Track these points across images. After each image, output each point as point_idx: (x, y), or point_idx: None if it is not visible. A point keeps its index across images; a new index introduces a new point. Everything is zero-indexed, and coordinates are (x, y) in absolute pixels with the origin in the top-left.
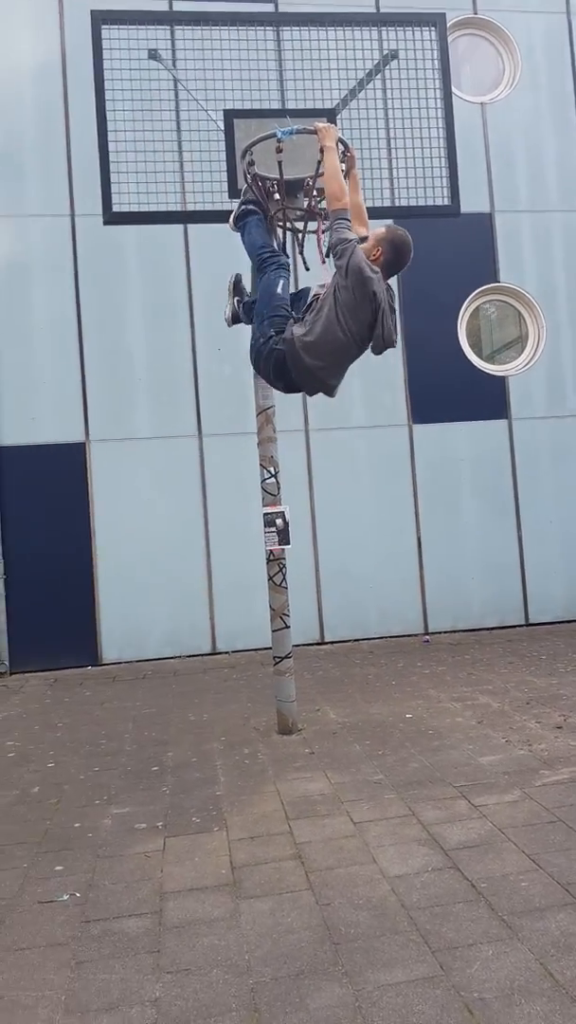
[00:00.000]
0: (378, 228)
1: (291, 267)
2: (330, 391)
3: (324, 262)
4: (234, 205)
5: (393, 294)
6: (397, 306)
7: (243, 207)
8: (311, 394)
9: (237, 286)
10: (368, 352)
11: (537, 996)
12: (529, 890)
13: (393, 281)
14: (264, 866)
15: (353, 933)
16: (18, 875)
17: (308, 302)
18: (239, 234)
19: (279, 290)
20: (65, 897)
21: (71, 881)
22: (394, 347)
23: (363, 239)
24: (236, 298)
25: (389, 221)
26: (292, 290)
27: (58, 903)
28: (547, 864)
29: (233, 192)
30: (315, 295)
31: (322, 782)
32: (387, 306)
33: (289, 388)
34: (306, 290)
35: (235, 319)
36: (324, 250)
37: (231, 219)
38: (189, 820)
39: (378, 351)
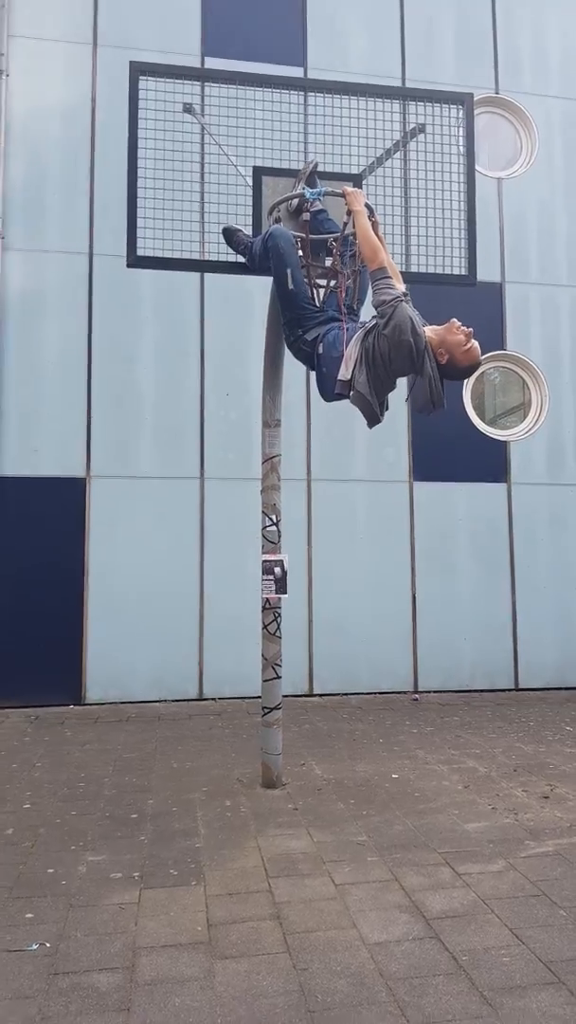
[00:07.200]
0: (459, 336)
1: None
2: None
3: (344, 320)
4: None
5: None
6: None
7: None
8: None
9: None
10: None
11: None
12: (511, 966)
13: None
14: (241, 925)
15: (330, 1001)
16: None
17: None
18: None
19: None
20: (34, 947)
21: (41, 930)
22: (444, 407)
23: (406, 293)
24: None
25: (470, 329)
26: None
27: (26, 952)
28: (529, 939)
29: None
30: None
31: (304, 840)
32: (434, 366)
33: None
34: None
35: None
36: (344, 307)
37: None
38: (167, 872)
39: (427, 411)
